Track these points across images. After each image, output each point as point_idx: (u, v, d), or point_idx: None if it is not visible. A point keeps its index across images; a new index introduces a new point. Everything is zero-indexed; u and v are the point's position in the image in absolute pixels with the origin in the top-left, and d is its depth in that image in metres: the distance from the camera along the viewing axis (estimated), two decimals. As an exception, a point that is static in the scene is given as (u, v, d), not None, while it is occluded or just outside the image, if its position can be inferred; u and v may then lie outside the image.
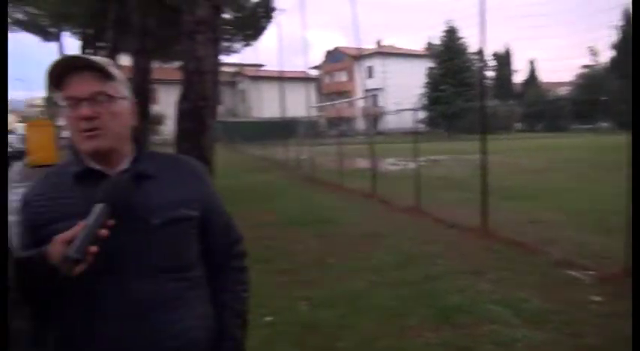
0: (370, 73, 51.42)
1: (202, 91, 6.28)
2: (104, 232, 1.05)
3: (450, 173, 12.87)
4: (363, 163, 17.11)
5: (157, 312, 1.19)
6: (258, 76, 36.44)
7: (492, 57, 53.76)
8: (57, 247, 1.04)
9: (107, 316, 1.16)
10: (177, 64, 23.69)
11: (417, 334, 3.48)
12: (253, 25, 17.04)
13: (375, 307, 3.97)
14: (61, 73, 1.17)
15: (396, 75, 49.42)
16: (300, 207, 8.90)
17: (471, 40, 43.71)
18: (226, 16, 15.39)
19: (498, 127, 33.40)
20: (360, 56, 43.85)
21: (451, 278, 4.61)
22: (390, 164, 17.33)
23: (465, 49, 44.42)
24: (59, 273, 1.02)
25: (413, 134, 9.89)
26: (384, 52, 53.20)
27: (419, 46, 66.66)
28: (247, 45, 19.18)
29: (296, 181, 13.57)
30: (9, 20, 20.51)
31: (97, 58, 1.20)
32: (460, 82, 42.17)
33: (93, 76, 1.18)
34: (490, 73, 53.90)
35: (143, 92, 10.66)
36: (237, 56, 23.92)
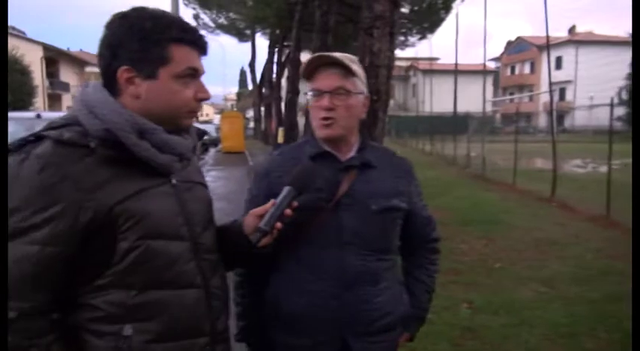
0: (559, 64, 46.22)
1: (376, 85, 6.45)
2: (289, 211, 1.20)
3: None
4: (541, 163, 15.62)
5: (362, 285, 1.38)
6: (431, 69, 35.68)
7: None
8: (251, 220, 1.22)
9: (322, 284, 1.37)
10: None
11: (594, 358, 3.11)
12: (430, 18, 16.73)
13: (544, 321, 3.65)
14: (313, 68, 1.38)
15: (590, 65, 43.55)
16: (468, 206, 8.54)
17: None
18: (403, 10, 15.40)
19: None
20: (546, 46, 39.76)
21: (643, 302, 3.97)
22: (574, 166, 15.51)
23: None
24: (250, 242, 1.20)
25: (607, 133, 8.66)
26: (578, 40, 47.21)
27: (623, 30, 57.60)
28: (423, 38, 18.94)
29: (465, 178, 13.02)
30: (212, 25, 23.68)
31: (343, 56, 1.37)
32: (675, 73, 35.28)
33: (337, 72, 1.36)
34: None
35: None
36: (411, 50, 23.81)
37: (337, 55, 1.37)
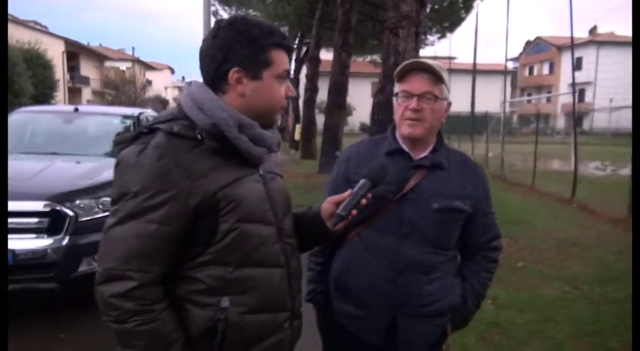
0: (579, 64, 45.65)
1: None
2: (364, 201, 1.32)
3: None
4: (559, 165, 15.53)
5: (414, 273, 1.51)
6: (449, 68, 35.52)
7: None
8: (329, 206, 1.36)
9: (379, 266, 1.51)
10: (369, 58, 24.62)
11: (619, 356, 3.18)
12: (451, 17, 16.71)
13: (569, 319, 3.72)
14: (406, 71, 1.50)
15: (611, 67, 42.92)
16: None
17: None
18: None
19: None
20: (566, 46, 39.33)
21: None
22: (594, 168, 15.39)
23: None
24: (325, 225, 1.34)
25: (628, 136, 8.63)
26: (599, 41, 46.55)
27: (645, 32, 56.55)
28: (442, 37, 18.92)
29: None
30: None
31: (435, 64, 1.49)
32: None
33: (428, 78, 1.48)
34: None
35: (341, 85, 11.40)
36: (430, 49, 23.73)
37: (431, 62, 1.49)
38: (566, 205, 8.87)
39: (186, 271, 1.14)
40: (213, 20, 7.50)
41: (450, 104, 1.55)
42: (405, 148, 1.55)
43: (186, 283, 1.14)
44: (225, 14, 23.53)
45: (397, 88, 1.53)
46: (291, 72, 29.10)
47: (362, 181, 1.33)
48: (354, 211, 1.30)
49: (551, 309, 3.91)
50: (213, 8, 22.51)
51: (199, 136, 1.13)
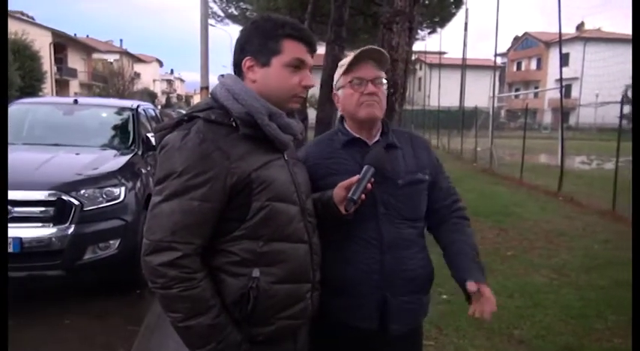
0: (566, 60, 46.16)
1: (393, 78, 6.65)
2: (370, 186, 1.45)
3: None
4: (547, 159, 15.82)
5: (398, 249, 1.60)
6: (438, 63, 35.72)
7: None
8: (340, 191, 1.47)
9: (365, 252, 1.59)
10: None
11: (604, 338, 3.36)
12: (442, 12, 16.84)
13: (556, 304, 3.89)
14: (355, 60, 1.58)
15: (598, 63, 43.48)
16: (478, 198, 8.76)
17: None
18: (415, 4, 15.48)
19: None
20: (554, 42, 39.76)
21: (649, 289, 4.22)
22: (579, 162, 15.71)
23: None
24: (338, 209, 1.46)
25: (613, 131, 8.87)
26: (586, 37, 47.09)
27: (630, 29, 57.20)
28: (433, 32, 19.03)
29: (472, 172, 13.24)
30: (222, 14, 23.76)
31: (383, 51, 1.59)
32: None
33: (374, 64, 1.59)
34: None
35: (333, 80, 11.47)
36: (421, 44, 23.85)
37: (381, 49, 1.58)
38: (554, 197, 9.11)
39: (221, 245, 1.26)
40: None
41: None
42: (358, 136, 1.63)
43: (221, 256, 1.26)
44: (215, 7, 23.44)
45: (344, 78, 1.59)
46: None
47: (366, 167, 1.45)
48: (363, 196, 1.42)
49: (540, 295, 4.09)
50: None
51: (234, 124, 1.26)
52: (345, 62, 1.60)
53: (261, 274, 1.26)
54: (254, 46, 1.30)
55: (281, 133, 1.31)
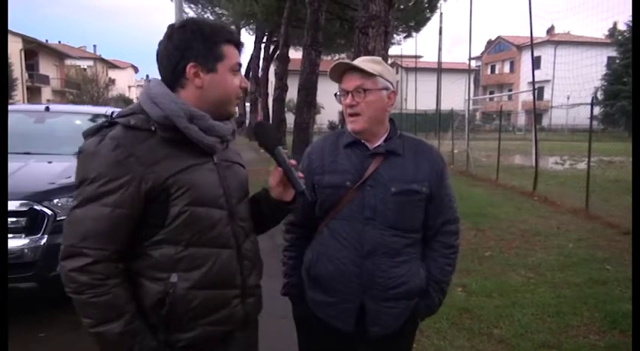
0: (537, 63, 47.23)
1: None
2: (294, 162, 1.39)
3: (625, 176, 11.51)
4: (521, 160, 16.13)
5: (379, 256, 1.60)
6: (414, 67, 36.14)
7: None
8: (276, 189, 1.43)
9: (346, 252, 1.60)
10: (337, 56, 24.82)
11: (580, 334, 3.43)
12: (416, 16, 17.06)
13: (534, 302, 3.96)
14: (341, 72, 1.62)
15: (568, 66, 44.59)
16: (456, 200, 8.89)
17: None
18: (390, 8, 15.67)
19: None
20: (526, 45, 40.65)
21: (621, 285, 4.33)
22: (553, 163, 16.05)
23: (658, 36, 38.13)
24: (278, 201, 1.44)
25: (584, 132, 9.11)
26: (556, 41, 48.30)
27: (600, 32, 59.00)
28: (408, 36, 19.28)
29: (450, 174, 13.28)
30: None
31: (361, 61, 1.60)
32: (649, 74, 36.35)
33: (358, 75, 1.59)
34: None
35: (311, 83, 11.49)
36: (397, 48, 24.08)
37: (357, 61, 1.60)
38: (529, 197, 9.28)
39: (143, 249, 1.26)
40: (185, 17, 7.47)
41: (394, 92, 1.63)
42: (361, 139, 1.65)
43: (141, 260, 1.27)
44: (191, 12, 23.29)
45: (339, 89, 1.65)
46: (243, 66, 29.25)
47: (276, 149, 1.39)
48: (300, 174, 1.39)
49: (517, 294, 4.15)
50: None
51: (153, 128, 1.25)
52: (330, 73, 1.63)
53: (179, 280, 1.26)
54: (197, 51, 1.28)
55: (203, 136, 1.29)
